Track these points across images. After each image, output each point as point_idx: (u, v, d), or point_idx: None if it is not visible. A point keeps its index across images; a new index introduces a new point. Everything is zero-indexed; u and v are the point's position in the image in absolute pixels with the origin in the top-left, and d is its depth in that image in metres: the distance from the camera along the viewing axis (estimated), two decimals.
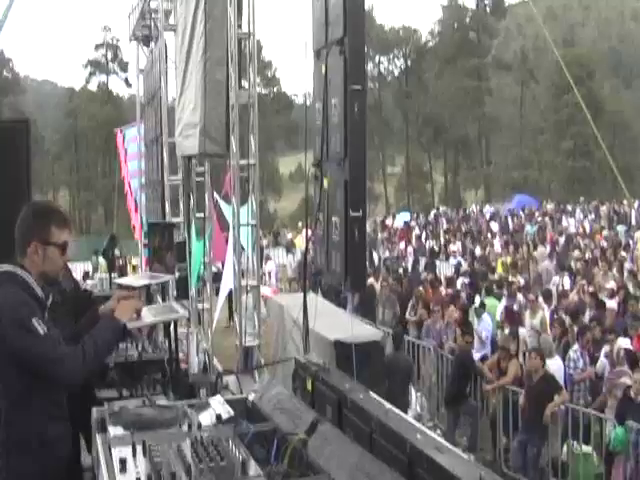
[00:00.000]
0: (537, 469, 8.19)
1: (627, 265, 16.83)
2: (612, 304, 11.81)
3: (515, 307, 12.09)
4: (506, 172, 57.23)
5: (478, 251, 22.65)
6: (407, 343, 10.68)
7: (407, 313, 12.68)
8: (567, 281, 15.23)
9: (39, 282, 2.98)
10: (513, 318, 11.06)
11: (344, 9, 4.56)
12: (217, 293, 9.37)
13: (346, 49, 4.58)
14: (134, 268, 14.30)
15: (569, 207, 33.02)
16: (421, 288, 13.68)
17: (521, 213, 32.40)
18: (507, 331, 10.56)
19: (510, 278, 15.22)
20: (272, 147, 55.61)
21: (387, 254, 23.68)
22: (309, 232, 6.13)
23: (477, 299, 12.77)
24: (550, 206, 33.73)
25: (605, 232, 24.53)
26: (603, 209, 29.93)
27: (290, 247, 26.85)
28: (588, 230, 25.86)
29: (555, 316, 11.34)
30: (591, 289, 13.51)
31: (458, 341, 9.96)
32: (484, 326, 10.92)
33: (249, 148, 7.74)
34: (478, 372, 9.36)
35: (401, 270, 18.44)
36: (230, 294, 8.86)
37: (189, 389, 4.68)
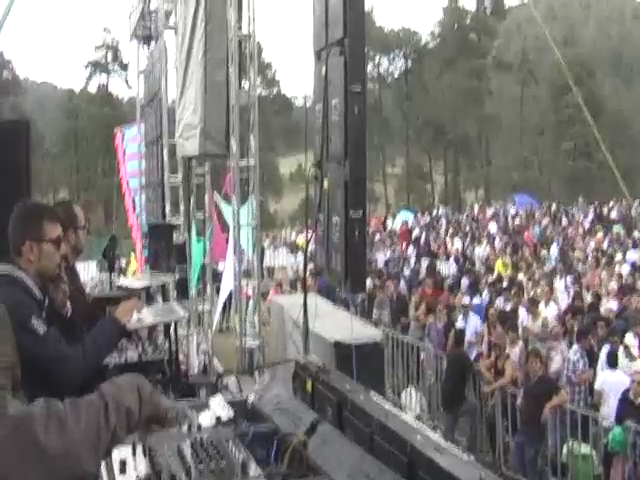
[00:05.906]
0: (536, 470, 8.18)
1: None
2: (613, 304, 11.80)
3: (508, 308, 12.07)
4: (506, 172, 57.15)
5: (478, 252, 22.63)
6: (407, 344, 10.70)
7: (409, 313, 12.68)
8: (567, 282, 15.19)
9: (37, 281, 2.98)
10: (506, 319, 10.99)
11: (344, 10, 4.56)
12: (217, 293, 9.38)
13: (346, 50, 4.58)
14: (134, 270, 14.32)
15: (569, 208, 32.94)
16: (420, 288, 13.68)
17: (521, 212, 32.31)
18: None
19: (508, 279, 15.21)
20: (272, 147, 55.54)
21: (388, 255, 23.63)
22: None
23: (466, 299, 12.81)
24: (553, 206, 33.58)
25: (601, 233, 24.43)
26: (604, 210, 29.87)
27: (293, 248, 26.86)
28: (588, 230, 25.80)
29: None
30: (591, 290, 13.49)
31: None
32: (471, 325, 10.98)
33: (249, 149, 7.74)
34: (476, 372, 9.36)
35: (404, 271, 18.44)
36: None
37: (189, 390, 4.68)
